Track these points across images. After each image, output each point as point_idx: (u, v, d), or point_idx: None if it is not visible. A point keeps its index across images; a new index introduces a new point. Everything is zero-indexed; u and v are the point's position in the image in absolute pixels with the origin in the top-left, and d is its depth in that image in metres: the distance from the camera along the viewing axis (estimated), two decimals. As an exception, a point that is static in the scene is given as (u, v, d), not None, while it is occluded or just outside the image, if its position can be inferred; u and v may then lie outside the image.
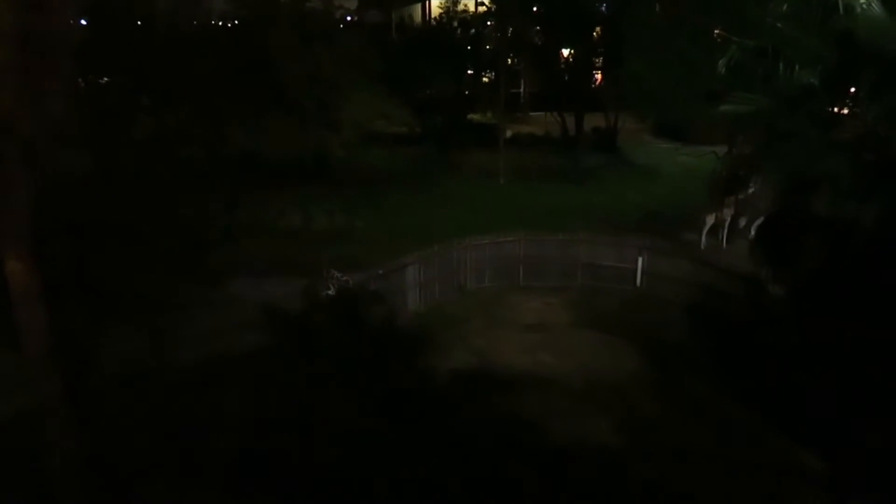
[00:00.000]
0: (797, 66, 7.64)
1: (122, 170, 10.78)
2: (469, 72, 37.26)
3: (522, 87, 43.04)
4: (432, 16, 41.18)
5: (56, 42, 6.15)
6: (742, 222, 20.48)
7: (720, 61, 8.57)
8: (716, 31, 20.99)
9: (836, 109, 8.01)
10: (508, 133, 32.46)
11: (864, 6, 6.98)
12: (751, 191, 19.00)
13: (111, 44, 13.27)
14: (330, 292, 13.39)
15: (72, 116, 6.59)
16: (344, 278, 14.18)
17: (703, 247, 19.97)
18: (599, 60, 36.12)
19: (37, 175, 6.62)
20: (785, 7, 7.76)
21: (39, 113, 6.17)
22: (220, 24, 22.13)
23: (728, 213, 20.49)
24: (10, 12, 5.68)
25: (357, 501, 8.49)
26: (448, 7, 36.53)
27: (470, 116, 36.89)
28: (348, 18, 34.67)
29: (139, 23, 15.90)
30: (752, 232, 19.76)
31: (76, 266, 8.77)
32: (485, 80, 37.71)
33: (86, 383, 8.85)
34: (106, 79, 15.00)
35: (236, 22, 21.62)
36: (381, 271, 15.38)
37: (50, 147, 6.43)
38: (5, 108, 5.98)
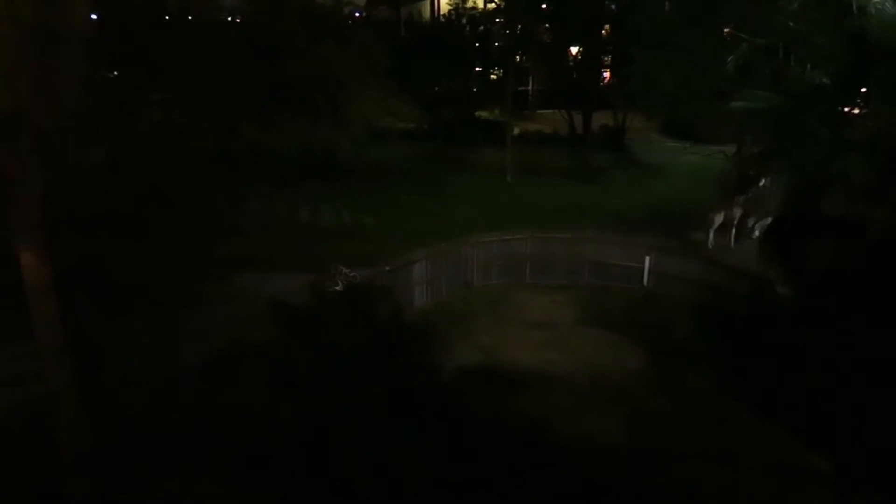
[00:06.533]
0: (809, 66, 7.61)
1: (131, 163, 10.83)
2: (477, 69, 37.23)
3: (531, 84, 42.97)
4: (441, 12, 41.14)
5: (71, 36, 6.21)
6: (751, 222, 20.43)
7: (729, 59, 8.54)
8: (725, 30, 20.89)
9: (847, 109, 7.98)
10: (516, 130, 32.43)
11: (878, 6, 6.94)
12: (759, 187, 18.94)
13: (121, 38, 13.32)
14: (337, 288, 13.41)
15: (85, 110, 6.64)
16: (351, 274, 14.20)
17: (710, 246, 19.93)
18: (608, 58, 36.07)
19: (50, 168, 6.68)
20: (796, 6, 7.72)
21: (54, 106, 6.23)
22: (230, 19, 22.19)
23: (737, 213, 20.43)
24: (28, 7, 5.73)
25: (362, 497, 8.53)
26: (457, 4, 36.50)
27: (478, 114, 36.87)
28: (357, 14, 34.72)
29: (149, 17, 15.95)
30: (758, 232, 19.76)
31: (86, 259, 8.83)
32: (493, 77, 37.66)
33: (96, 376, 8.91)
34: (115, 73, 15.06)
35: (245, 17, 21.66)
36: (388, 268, 15.41)
37: (63, 140, 6.49)
38: (21, 100, 6.04)
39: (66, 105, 6.33)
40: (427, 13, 43.80)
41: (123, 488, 9.00)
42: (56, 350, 7.49)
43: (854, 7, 7.03)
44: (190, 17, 17.09)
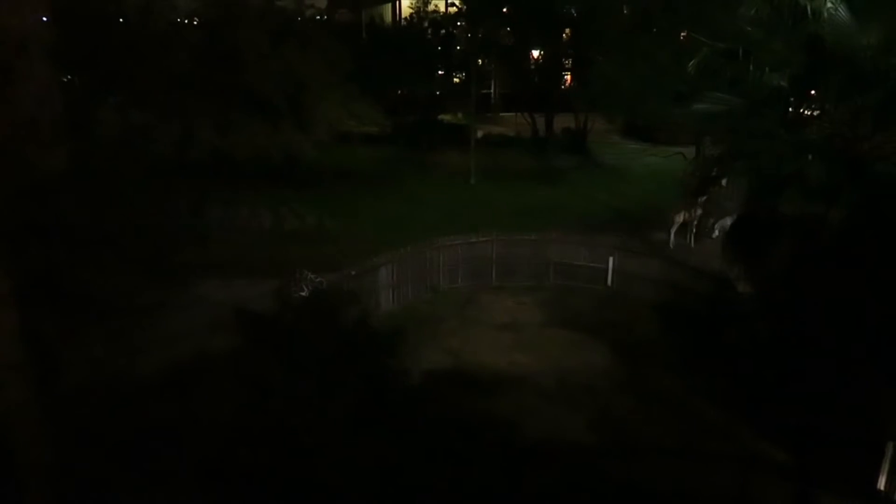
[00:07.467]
0: (766, 69, 7.81)
1: (89, 170, 10.55)
2: (440, 72, 37.27)
3: (493, 87, 43.20)
4: (403, 16, 41.09)
5: (27, 40, 6.00)
6: (710, 222, 20.84)
7: (691, 63, 8.71)
8: (682, 35, 21.34)
9: (803, 111, 8.22)
10: (479, 133, 32.56)
11: (831, 11, 7.16)
12: (719, 187, 19.32)
13: (77, 41, 12.98)
14: (303, 293, 13.27)
15: (44, 116, 6.44)
16: (317, 279, 14.07)
17: (671, 246, 20.28)
18: (569, 62, 36.44)
19: (6, 175, 6.45)
20: (754, 11, 7.91)
21: (11, 112, 6.01)
22: (188, 22, 21.84)
23: (697, 213, 20.83)
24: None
25: (330, 501, 8.46)
26: (419, 7, 36.49)
27: (441, 117, 36.91)
28: (318, 18, 34.45)
29: (105, 19, 15.58)
30: (717, 231, 20.19)
31: (45, 269, 8.57)
32: (455, 80, 37.74)
33: (55, 388, 8.65)
34: (70, 76, 14.67)
35: (205, 20, 21.33)
36: (353, 272, 15.31)
37: (21, 146, 6.28)
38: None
39: (22, 109, 6.13)
40: (389, 17, 43.73)
41: (81, 500, 8.77)
42: (14, 362, 7.25)
43: (809, 12, 7.24)
44: (147, 20, 16.74)
